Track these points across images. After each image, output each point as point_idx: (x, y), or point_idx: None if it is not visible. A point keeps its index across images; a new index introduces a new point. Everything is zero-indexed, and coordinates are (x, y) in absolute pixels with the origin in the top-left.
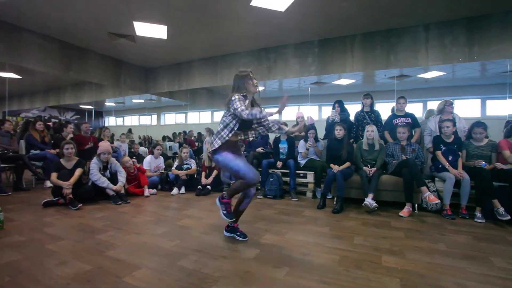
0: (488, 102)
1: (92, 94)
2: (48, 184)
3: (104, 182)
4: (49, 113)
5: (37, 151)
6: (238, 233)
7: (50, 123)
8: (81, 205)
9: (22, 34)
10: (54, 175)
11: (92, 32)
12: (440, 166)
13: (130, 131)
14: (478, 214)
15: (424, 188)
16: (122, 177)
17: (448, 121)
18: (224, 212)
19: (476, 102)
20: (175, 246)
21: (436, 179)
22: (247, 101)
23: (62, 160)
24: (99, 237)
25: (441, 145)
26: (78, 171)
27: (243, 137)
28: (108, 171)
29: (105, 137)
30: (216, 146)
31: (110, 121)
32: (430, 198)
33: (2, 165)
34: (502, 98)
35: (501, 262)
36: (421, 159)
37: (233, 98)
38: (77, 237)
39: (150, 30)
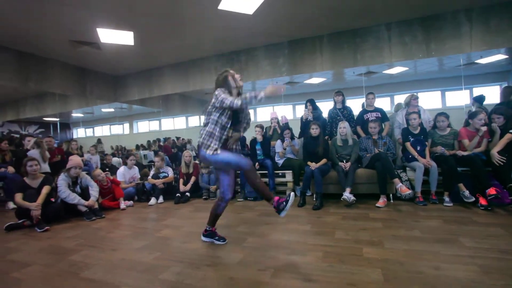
0: (447, 94)
1: (56, 105)
2: (11, 205)
3: (74, 198)
4: (8, 128)
5: None
6: (216, 238)
7: (14, 135)
8: (48, 227)
9: None
10: (18, 196)
11: (52, 40)
12: (410, 156)
13: (99, 141)
14: (446, 199)
15: (396, 180)
16: (94, 191)
17: (414, 114)
18: (216, 238)
19: (437, 94)
20: (155, 259)
21: (407, 168)
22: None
23: (26, 179)
24: (72, 258)
25: (409, 136)
26: (46, 189)
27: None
28: (78, 186)
29: (72, 150)
30: (216, 146)
31: (79, 132)
32: (402, 189)
33: None
34: (458, 89)
35: (469, 242)
36: (392, 151)
37: (216, 93)
38: (47, 261)
39: (116, 36)
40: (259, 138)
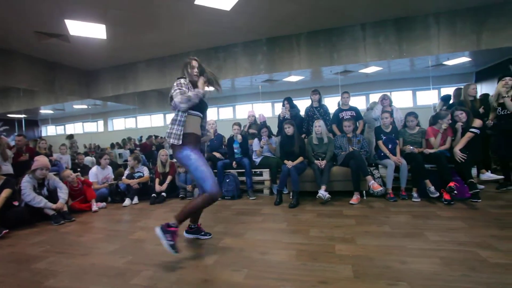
0: (418, 93)
1: (21, 101)
2: None
3: (40, 201)
4: None
5: None
6: (202, 233)
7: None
8: (6, 231)
9: None
10: None
11: (16, 31)
12: (382, 154)
13: (71, 136)
14: (415, 194)
15: (369, 177)
16: (63, 193)
17: (386, 113)
18: (171, 243)
19: (408, 94)
20: (127, 263)
21: (379, 166)
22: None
23: None
24: (36, 266)
25: (382, 135)
26: (5, 192)
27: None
28: (45, 188)
29: (41, 149)
30: (179, 133)
31: (49, 130)
32: (374, 186)
33: None
34: (427, 89)
35: (433, 236)
36: (366, 149)
37: (174, 84)
38: (7, 270)
39: (86, 29)
40: (239, 137)
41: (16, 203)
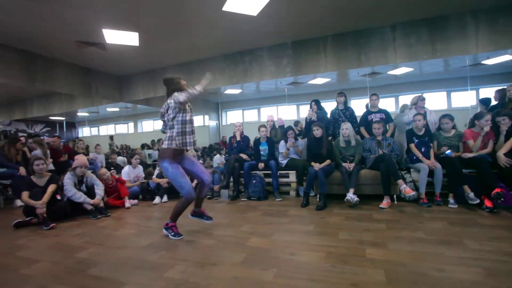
0: (453, 94)
1: (62, 104)
2: (19, 203)
3: (80, 197)
4: (15, 127)
5: (4, 169)
6: (205, 217)
7: (22, 138)
8: (53, 224)
9: None
10: (25, 194)
11: (57, 41)
12: (414, 157)
13: (111, 138)
14: (451, 200)
15: (400, 181)
16: (99, 190)
17: (418, 115)
18: (172, 234)
19: (442, 95)
20: (160, 258)
21: (411, 170)
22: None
23: (33, 177)
24: (79, 256)
25: (414, 138)
26: (51, 188)
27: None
28: (84, 185)
29: (79, 149)
30: (164, 146)
31: (84, 131)
32: (406, 190)
33: None
34: (464, 90)
35: (474, 244)
36: (396, 152)
37: (174, 96)
38: (55, 258)
39: (121, 37)
40: (264, 138)
41: (58, 197)
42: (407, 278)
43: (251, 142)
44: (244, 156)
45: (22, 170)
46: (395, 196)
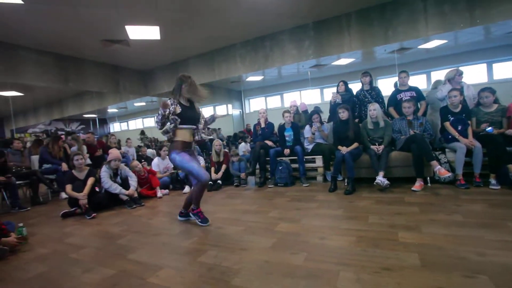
0: (495, 66)
1: (94, 102)
2: (64, 195)
3: (116, 188)
4: (54, 126)
5: (49, 165)
6: (197, 218)
7: (62, 136)
8: (94, 214)
9: (18, 51)
10: (68, 187)
11: (85, 42)
12: (450, 137)
13: (143, 133)
14: (493, 181)
15: (434, 163)
16: (133, 181)
17: (454, 90)
18: (199, 220)
19: (482, 67)
20: (193, 243)
21: (446, 150)
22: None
23: (74, 171)
24: (119, 242)
25: (449, 115)
26: (91, 180)
27: (197, 138)
28: (118, 177)
29: (111, 143)
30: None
31: (115, 127)
32: (441, 172)
33: (18, 182)
34: (509, 60)
35: None
36: (429, 132)
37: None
38: (98, 244)
39: (143, 32)
40: (288, 124)
41: (97, 189)
42: (444, 262)
43: (276, 129)
44: (269, 142)
45: (64, 166)
46: (428, 178)
